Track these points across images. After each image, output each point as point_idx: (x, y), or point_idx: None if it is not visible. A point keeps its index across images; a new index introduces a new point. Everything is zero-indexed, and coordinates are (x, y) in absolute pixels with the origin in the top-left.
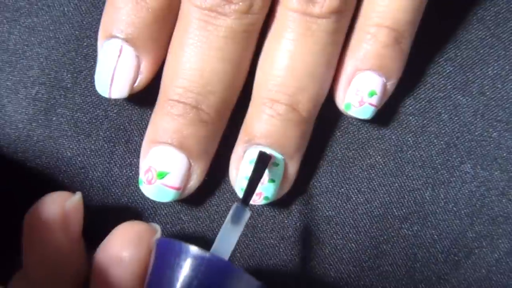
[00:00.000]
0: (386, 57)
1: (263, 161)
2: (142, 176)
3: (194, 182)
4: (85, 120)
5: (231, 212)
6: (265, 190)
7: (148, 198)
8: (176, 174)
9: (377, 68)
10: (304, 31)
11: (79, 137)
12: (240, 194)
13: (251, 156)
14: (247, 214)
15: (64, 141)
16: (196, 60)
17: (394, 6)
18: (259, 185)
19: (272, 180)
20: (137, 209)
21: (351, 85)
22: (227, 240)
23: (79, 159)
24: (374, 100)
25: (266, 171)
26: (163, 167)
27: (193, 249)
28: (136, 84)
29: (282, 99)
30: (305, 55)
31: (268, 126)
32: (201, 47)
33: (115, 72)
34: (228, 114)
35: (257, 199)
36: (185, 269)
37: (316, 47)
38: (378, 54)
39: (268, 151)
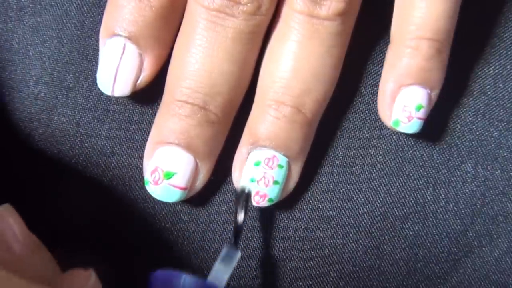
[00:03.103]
0: (429, 69)
1: (245, 198)
2: (148, 177)
3: (200, 182)
4: (87, 119)
5: (222, 253)
6: (270, 192)
7: (149, 198)
8: (183, 174)
9: (422, 82)
10: (309, 33)
11: (81, 137)
12: None
13: (256, 158)
14: (238, 255)
15: (65, 141)
16: (203, 61)
17: (433, 16)
18: (264, 187)
19: (276, 182)
20: (137, 209)
21: (396, 101)
22: (219, 278)
23: (80, 158)
24: (422, 113)
25: (271, 173)
26: (170, 168)
27: (189, 279)
28: (138, 82)
29: (288, 101)
30: (310, 57)
31: (273, 128)
32: (209, 48)
33: (118, 70)
34: (234, 114)
35: (261, 201)
36: None
37: (321, 49)
38: (421, 67)
39: (273, 153)
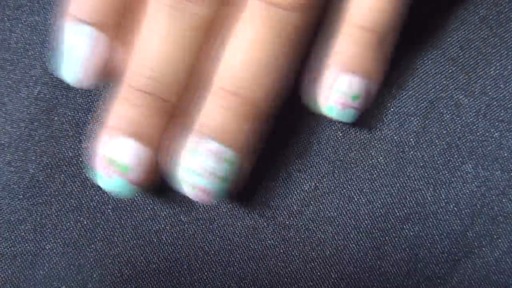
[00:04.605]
0: (368, 59)
1: None
2: (100, 169)
3: (156, 174)
4: (86, 120)
5: None
6: (212, 187)
7: (148, 199)
8: (136, 166)
9: (360, 71)
10: (264, 20)
11: (80, 137)
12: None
13: (199, 149)
14: None
15: (65, 141)
16: (162, 49)
17: (375, 8)
18: (205, 181)
19: (219, 177)
20: (137, 209)
21: (333, 88)
22: None
23: (80, 159)
24: (357, 103)
25: (214, 166)
26: (123, 159)
27: None
28: (104, 71)
29: (237, 91)
30: (265, 47)
31: (219, 118)
32: (168, 35)
33: (82, 58)
34: (188, 104)
35: (201, 196)
36: None
37: (278, 40)
38: (360, 56)
39: (217, 144)
